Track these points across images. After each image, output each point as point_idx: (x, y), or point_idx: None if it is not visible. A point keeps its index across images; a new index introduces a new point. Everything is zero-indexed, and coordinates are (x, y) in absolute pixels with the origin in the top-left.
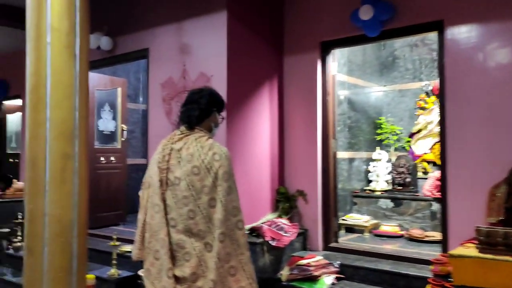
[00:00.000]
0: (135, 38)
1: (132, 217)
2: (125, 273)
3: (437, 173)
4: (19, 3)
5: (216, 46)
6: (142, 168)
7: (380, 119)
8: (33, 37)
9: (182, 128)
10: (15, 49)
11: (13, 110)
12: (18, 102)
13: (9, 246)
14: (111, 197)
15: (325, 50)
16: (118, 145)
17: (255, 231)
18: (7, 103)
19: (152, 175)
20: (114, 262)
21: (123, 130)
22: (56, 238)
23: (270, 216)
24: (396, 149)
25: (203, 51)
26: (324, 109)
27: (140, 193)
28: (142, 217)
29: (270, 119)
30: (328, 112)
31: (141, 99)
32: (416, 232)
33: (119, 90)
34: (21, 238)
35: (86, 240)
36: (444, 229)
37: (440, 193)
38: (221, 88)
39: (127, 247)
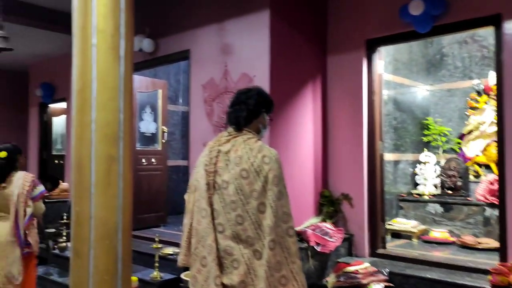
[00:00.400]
0: (177, 39)
1: (172, 219)
2: (167, 276)
3: (490, 177)
4: (64, 7)
5: (258, 46)
6: (182, 170)
7: (427, 120)
8: (79, 39)
9: (230, 129)
10: (60, 53)
11: (58, 112)
12: (63, 105)
13: (55, 246)
14: (152, 198)
15: (371, 48)
16: (159, 147)
17: (299, 236)
18: (53, 106)
19: (198, 178)
20: (156, 264)
21: (163, 132)
22: (101, 240)
23: (314, 220)
24: (444, 151)
25: (245, 51)
26: (370, 110)
27: (186, 196)
28: (188, 221)
29: (313, 120)
30: (374, 113)
31: (181, 100)
32: (469, 239)
33: (160, 92)
34: (66, 238)
35: (131, 243)
36: (502, 236)
37: (495, 198)
38: (263, 88)
39: (169, 250)
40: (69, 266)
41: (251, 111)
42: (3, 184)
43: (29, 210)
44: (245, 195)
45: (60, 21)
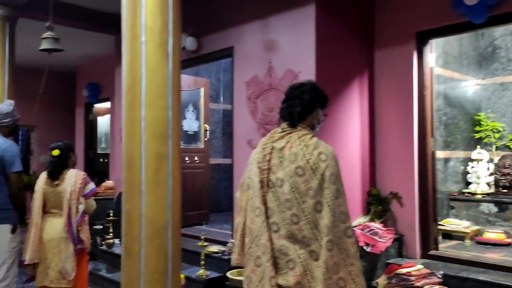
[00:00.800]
0: (220, 37)
1: (214, 217)
2: (213, 274)
3: None
4: (111, 9)
5: (303, 41)
6: (223, 168)
7: (479, 115)
8: (128, 37)
9: (284, 125)
10: (105, 54)
11: (103, 112)
12: (107, 104)
13: (102, 243)
14: (195, 196)
15: (421, 40)
16: (201, 145)
17: None
18: (98, 105)
19: (251, 176)
20: (202, 262)
21: (206, 130)
22: (152, 239)
23: (362, 220)
24: (498, 148)
25: (289, 47)
26: (420, 105)
27: (238, 194)
28: (241, 220)
29: (360, 116)
30: (425, 108)
31: (221, 99)
32: None
33: (202, 90)
34: (112, 235)
35: (180, 241)
36: None
37: None
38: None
39: (214, 248)
40: (121, 263)
41: (305, 106)
42: (56, 182)
43: (81, 207)
44: (301, 193)
45: (107, 23)
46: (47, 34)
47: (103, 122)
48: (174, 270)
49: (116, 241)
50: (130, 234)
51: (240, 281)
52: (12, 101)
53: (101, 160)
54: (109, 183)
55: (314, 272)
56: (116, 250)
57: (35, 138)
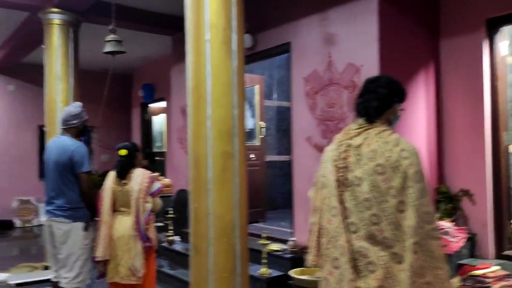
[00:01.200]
0: (276, 33)
1: (270, 214)
2: (275, 272)
3: None
4: (167, 10)
5: (365, 33)
6: (278, 165)
7: None
8: (193, 36)
9: (360, 121)
10: (160, 55)
11: (157, 112)
12: (162, 104)
13: (164, 240)
14: (252, 194)
15: (492, 28)
16: (257, 142)
17: None
18: (152, 105)
19: (326, 174)
20: (264, 261)
21: (261, 127)
22: (220, 238)
23: None
24: None
25: (350, 40)
26: (493, 97)
27: (311, 193)
28: (316, 220)
29: (426, 110)
30: (497, 100)
31: (275, 95)
32: None
33: (257, 87)
34: (173, 232)
35: (247, 240)
36: None
37: None
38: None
39: (275, 246)
40: (182, 261)
41: (383, 101)
42: (124, 181)
43: (148, 206)
44: (381, 192)
45: (164, 24)
46: (111, 37)
47: (157, 122)
48: (243, 270)
49: (176, 238)
50: (198, 232)
51: (304, 280)
52: (80, 103)
53: (156, 158)
54: (166, 180)
55: (397, 276)
56: (177, 247)
57: (95, 138)
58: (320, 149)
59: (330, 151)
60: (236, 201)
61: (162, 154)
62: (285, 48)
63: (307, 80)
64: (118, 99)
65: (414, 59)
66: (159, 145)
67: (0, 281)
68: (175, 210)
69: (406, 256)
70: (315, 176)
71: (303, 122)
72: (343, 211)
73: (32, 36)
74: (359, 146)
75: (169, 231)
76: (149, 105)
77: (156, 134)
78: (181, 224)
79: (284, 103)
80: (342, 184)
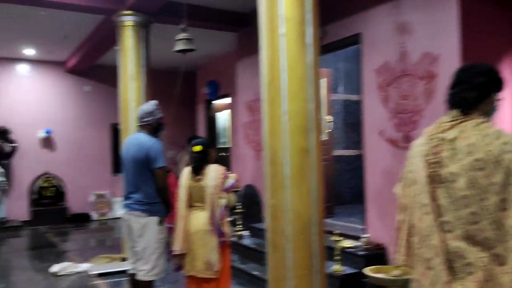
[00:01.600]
0: (345, 24)
1: (338, 209)
2: (349, 270)
3: None
4: (233, 7)
5: (443, 21)
6: (345, 160)
7: None
8: (267, 30)
9: (454, 113)
10: (224, 52)
11: (221, 108)
12: (225, 100)
13: (233, 234)
14: None
15: None
16: (324, 137)
17: None
18: (216, 102)
19: (415, 170)
20: (337, 257)
21: (328, 121)
22: (298, 235)
23: None
24: None
25: (425, 28)
26: None
27: (398, 189)
28: (404, 218)
29: None
30: None
31: (341, 89)
32: None
33: (324, 81)
34: (242, 227)
35: (324, 238)
36: None
37: None
38: (451, 69)
39: (347, 242)
40: (252, 256)
41: (480, 91)
42: (199, 177)
43: (222, 201)
44: (481, 189)
45: (230, 21)
46: (182, 35)
47: (221, 118)
48: (321, 267)
49: (245, 233)
50: (275, 229)
51: (380, 279)
52: (155, 101)
53: (220, 154)
54: (233, 176)
55: (499, 278)
56: (246, 242)
57: (162, 134)
58: (393, 143)
59: (419, 145)
60: (314, 197)
61: (226, 149)
62: (354, 40)
63: (379, 72)
64: (183, 96)
65: (499, 46)
66: (223, 141)
67: (83, 271)
68: (243, 205)
69: (509, 258)
70: (402, 172)
71: (375, 116)
72: (435, 209)
73: (106, 38)
74: (453, 139)
75: (238, 226)
76: (213, 101)
77: (220, 130)
78: (249, 219)
79: (351, 97)
80: (434, 180)
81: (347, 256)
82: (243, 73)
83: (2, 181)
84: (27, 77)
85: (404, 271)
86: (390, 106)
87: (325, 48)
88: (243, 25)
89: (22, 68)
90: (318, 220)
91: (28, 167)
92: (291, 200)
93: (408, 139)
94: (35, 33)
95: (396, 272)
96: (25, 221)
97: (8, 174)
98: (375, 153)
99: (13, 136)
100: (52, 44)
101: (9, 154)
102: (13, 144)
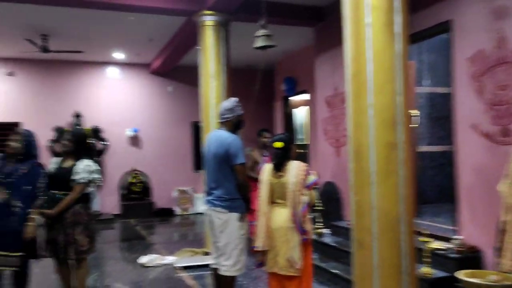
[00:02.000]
0: (433, 11)
1: (424, 209)
2: (439, 273)
3: None
4: (310, 1)
5: None
6: (429, 156)
7: None
8: (351, 20)
9: None
10: (302, 48)
11: (298, 104)
12: (303, 96)
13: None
14: None
15: None
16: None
17: None
18: (293, 98)
19: None
20: (426, 259)
21: (413, 116)
22: (384, 233)
23: None
24: None
25: None
26: None
27: (502, 188)
28: (510, 219)
29: None
30: None
31: (426, 81)
32: None
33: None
34: (322, 225)
35: (414, 237)
36: None
37: None
38: None
39: (437, 244)
40: (334, 254)
41: None
42: (280, 173)
43: (304, 198)
44: None
45: (307, 16)
46: (261, 32)
47: (299, 115)
48: (410, 267)
49: (326, 231)
50: (361, 226)
51: (476, 284)
52: (235, 99)
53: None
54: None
55: None
56: (327, 240)
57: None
58: (489, 137)
59: None
60: (402, 195)
61: (304, 146)
62: (443, 28)
63: (472, 61)
64: (260, 93)
65: None
66: (300, 138)
67: (169, 263)
68: (322, 202)
69: None
70: (506, 169)
71: (467, 108)
72: None
73: (187, 39)
74: None
75: (318, 223)
76: (290, 98)
77: (297, 127)
78: (329, 216)
79: (437, 89)
80: None
81: (436, 258)
82: (321, 68)
83: (99, 178)
84: (117, 80)
85: (504, 276)
86: (485, 97)
87: (412, 38)
88: (320, 19)
89: (112, 71)
90: (407, 219)
91: (117, 164)
92: (378, 197)
93: (506, 132)
94: (124, 37)
95: (494, 277)
96: (116, 215)
97: (100, 170)
98: (468, 149)
99: (104, 135)
100: (139, 47)
101: (101, 152)
102: (105, 142)
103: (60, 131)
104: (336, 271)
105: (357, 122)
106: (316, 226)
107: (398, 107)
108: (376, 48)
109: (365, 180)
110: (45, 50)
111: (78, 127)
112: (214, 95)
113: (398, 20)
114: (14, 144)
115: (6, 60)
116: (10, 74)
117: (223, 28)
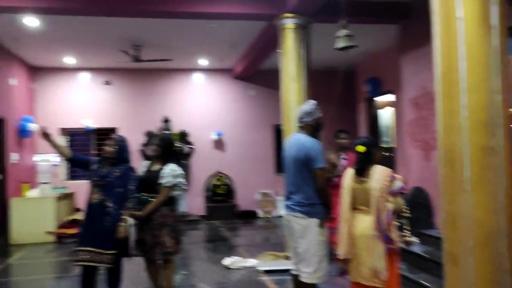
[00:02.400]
0: None
1: None
2: None
3: None
4: None
5: None
6: None
7: None
8: (441, 13)
9: None
10: (384, 47)
11: (383, 106)
12: (388, 97)
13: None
14: None
15: None
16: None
17: None
18: (378, 99)
19: None
20: None
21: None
22: (480, 246)
23: None
24: None
25: None
26: None
27: None
28: None
29: None
30: None
31: None
32: None
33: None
34: (410, 232)
35: None
36: None
37: None
38: None
39: None
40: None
41: None
42: (363, 178)
43: (389, 205)
44: None
45: (391, 13)
46: (343, 32)
47: (384, 116)
48: (510, 286)
49: (414, 239)
50: (453, 239)
51: None
52: (314, 102)
53: (383, 154)
54: (399, 177)
55: None
56: (416, 249)
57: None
58: None
59: None
60: (501, 204)
61: (390, 149)
62: None
63: None
64: (341, 95)
65: None
66: (386, 141)
67: (251, 266)
68: (410, 209)
69: None
70: None
71: None
72: None
73: (268, 43)
74: None
75: (405, 231)
76: (374, 99)
77: (383, 129)
78: (417, 224)
79: None
80: None
81: None
82: (407, 68)
83: (183, 182)
84: (201, 85)
85: None
86: None
87: (510, 31)
88: (405, 16)
89: (197, 77)
90: (506, 231)
91: (203, 166)
92: (473, 206)
93: None
94: (208, 44)
95: None
96: (201, 216)
97: (186, 173)
98: None
99: (190, 139)
100: (222, 53)
101: (188, 155)
102: (191, 146)
103: (150, 135)
104: (427, 284)
105: (448, 124)
106: (404, 234)
107: (496, 107)
108: (470, 43)
109: (458, 188)
110: (137, 60)
111: (166, 131)
112: (294, 98)
113: (495, 11)
114: (108, 148)
115: (104, 70)
116: (107, 83)
117: (303, 30)
